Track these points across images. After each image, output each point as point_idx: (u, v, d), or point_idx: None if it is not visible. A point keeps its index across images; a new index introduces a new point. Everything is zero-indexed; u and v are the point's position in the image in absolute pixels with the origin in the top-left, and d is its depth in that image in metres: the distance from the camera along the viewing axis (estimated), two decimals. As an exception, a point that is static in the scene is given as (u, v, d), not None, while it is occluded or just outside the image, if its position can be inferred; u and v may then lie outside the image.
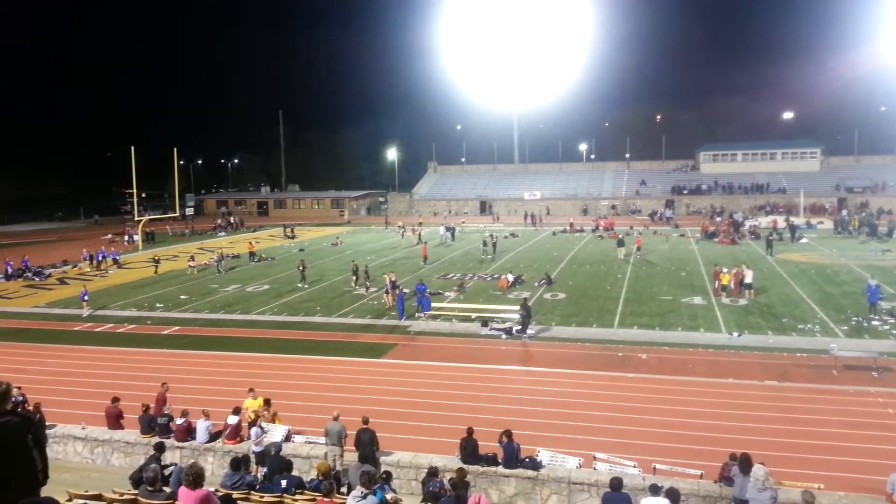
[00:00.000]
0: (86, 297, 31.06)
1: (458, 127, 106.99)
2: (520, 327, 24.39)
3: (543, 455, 13.60)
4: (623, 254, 42.08)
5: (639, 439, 15.23)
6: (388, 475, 12.62)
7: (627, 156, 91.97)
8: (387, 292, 30.24)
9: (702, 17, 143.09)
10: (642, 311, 27.45)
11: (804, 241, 47.81)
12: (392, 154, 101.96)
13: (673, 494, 10.22)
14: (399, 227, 61.93)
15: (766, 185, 75.76)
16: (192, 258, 43.06)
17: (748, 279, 29.56)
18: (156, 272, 41.10)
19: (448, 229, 54.91)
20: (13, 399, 15.82)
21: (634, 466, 13.17)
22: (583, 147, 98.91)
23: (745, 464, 11.19)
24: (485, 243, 44.57)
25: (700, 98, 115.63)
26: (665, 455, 13.97)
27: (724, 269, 30.93)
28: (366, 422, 13.76)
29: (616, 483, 10.91)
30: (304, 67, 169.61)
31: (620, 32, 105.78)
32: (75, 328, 28.03)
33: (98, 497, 8.09)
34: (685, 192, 78.03)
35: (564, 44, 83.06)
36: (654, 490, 10.67)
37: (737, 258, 38.88)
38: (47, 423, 15.97)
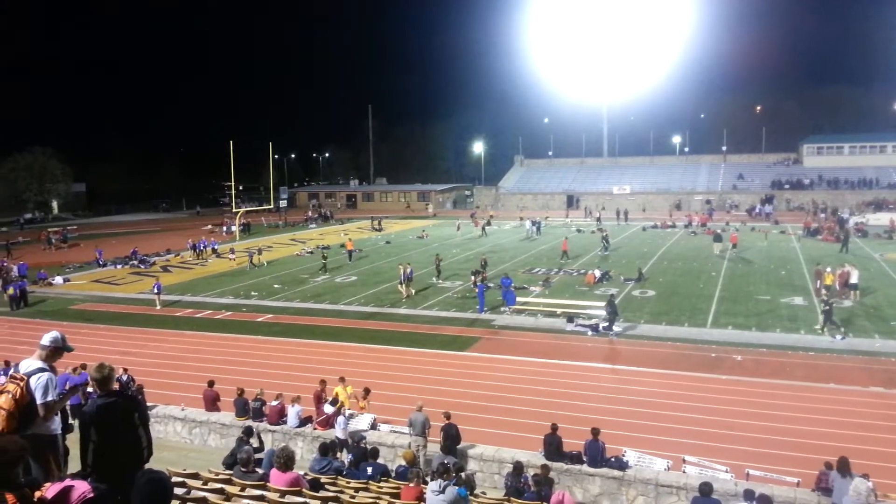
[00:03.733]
0: (158, 290, 31.14)
1: (546, 120, 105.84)
2: (606, 324, 23.93)
3: (630, 455, 13.32)
4: (719, 249, 40.53)
5: (731, 443, 14.66)
6: (460, 471, 12.65)
7: (724, 148, 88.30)
8: (401, 283, 30.95)
9: None
10: (738, 311, 26.37)
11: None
12: (478, 148, 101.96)
13: (765, 501, 9.78)
14: (472, 217, 62.08)
15: (875, 180, 71.08)
16: (233, 251, 44.98)
17: (854, 279, 27.90)
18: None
19: (534, 223, 54.48)
20: (119, 380, 16.81)
21: (726, 471, 12.70)
22: (676, 140, 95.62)
23: (845, 467, 10.59)
24: (604, 238, 43.43)
25: (804, 87, 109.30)
26: (759, 461, 13.42)
27: (828, 269, 29.26)
28: (448, 416, 13.86)
29: (706, 488, 10.56)
30: (393, 62, 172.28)
31: (718, 18, 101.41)
32: (177, 314, 29.54)
33: (195, 476, 8.49)
34: (786, 186, 74.26)
35: (658, 32, 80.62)
36: (748, 496, 10.25)
37: (841, 257, 36.72)
38: (149, 404, 16.92)
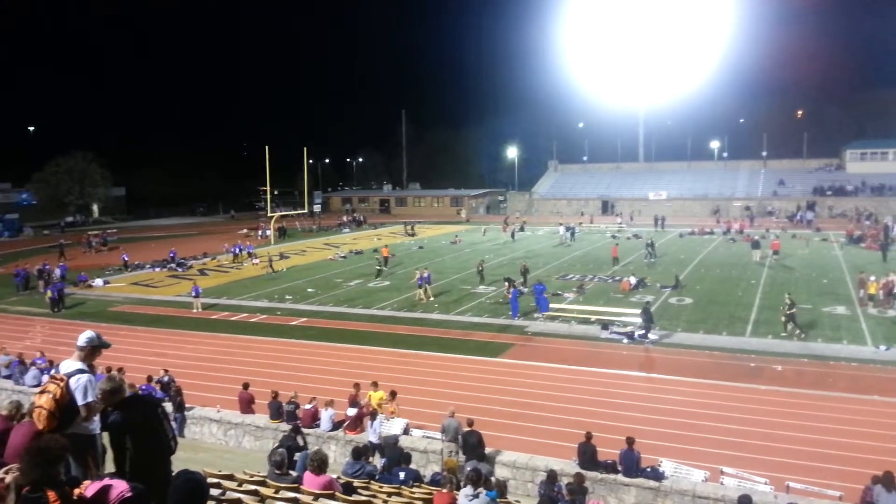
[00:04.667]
0: (196, 293, 31.58)
1: (581, 125, 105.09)
2: (642, 332, 23.60)
3: (666, 466, 13.10)
4: (758, 256, 39.78)
5: (771, 455, 14.31)
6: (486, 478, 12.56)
7: (764, 154, 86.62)
8: (420, 287, 31.36)
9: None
10: (778, 320, 25.76)
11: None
12: (512, 153, 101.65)
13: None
14: (505, 222, 61.88)
15: (922, 187, 69.07)
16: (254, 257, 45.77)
17: (899, 289, 27.13)
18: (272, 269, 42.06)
19: (568, 229, 54.10)
20: (161, 381, 17.12)
21: (766, 483, 12.40)
22: (714, 145, 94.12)
23: (890, 482, 10.26)
24: (648, 245, 42.61)
25: (847, 90, 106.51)
26: (800, 473, 13.09)
27: (872, 278, 28.47)
28: (471, 423, 13.78)
29: (745, 500, 10.32)
30: (427, 67, 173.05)
31: (758, 20, 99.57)
32: (213, 317, 29.95)
33: (230, 477, 8.55)
34: (828, 193, 72.52)
35: (696, 35, 79.47)
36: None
37: (886, 265, 35.70)
38: (186, 405, 17.16)
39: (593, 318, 26.39)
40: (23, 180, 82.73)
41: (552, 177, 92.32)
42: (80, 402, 5.88)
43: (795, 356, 21.38)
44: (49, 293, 32.60)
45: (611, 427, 15.45)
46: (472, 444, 13.38)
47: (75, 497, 4.28)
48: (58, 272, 38.07)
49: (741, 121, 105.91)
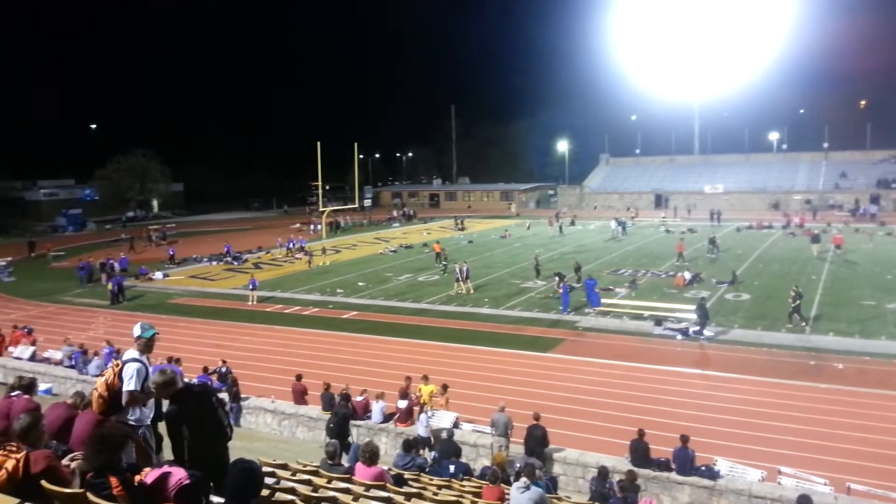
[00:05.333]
0: (253, 286, 32.28)
1: (633, 117, 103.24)
2: (697, 328, 23.09)
3: (722, 464, 12.82)
4: (817, 250, 38.47)
5: (831, 455, 13.85)
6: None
7: (825, 145, 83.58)
8: (457, 280, 31.66)
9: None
10: (840, 317, 24.91)
11: None
12: (562, 146, 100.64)
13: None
14: (557, 216, 61.27)
15: None
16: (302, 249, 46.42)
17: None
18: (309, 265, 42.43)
19: (619, 223, 53.30)
20: (218, 371, 17.52)
21: (826, 484, 12.01)
22: (773, 136, 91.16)
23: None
24: (711, 242, 41.41)
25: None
26: (861, 475, 12.65)
27: (942, 273, 27.24)
28: (537, 418, 13.69)
29: (804, 500, 10.02)
30: (476, 61, 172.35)
31: (818, 7, 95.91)
32: (267, 309, 30.54)
33: (284, 466, 8.69)
34: (893, 185, 69.65)
35: (753, 25, 77.19)
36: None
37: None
38: (242, 396, 17.55)
39: (646, 313, 25.95)
40: (86, 177, 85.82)
41: (604, 170, 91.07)
42: (123, 387, 6.12)
43: (857, 354, 20.64)
44: (110, 286, 33.76)
45: (664, 424, 15.20)
46: (536, 439, 13.30)
47: (136, 483, 4.41)
48: (118, 265, 39.31)
49: (801, 111, 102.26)
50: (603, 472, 12.00)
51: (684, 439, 12.77)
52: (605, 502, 11.05)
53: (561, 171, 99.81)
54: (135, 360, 6.34)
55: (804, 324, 23.73)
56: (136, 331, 6.49)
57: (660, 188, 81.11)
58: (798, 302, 23.95)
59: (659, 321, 24.64)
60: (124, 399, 6.25)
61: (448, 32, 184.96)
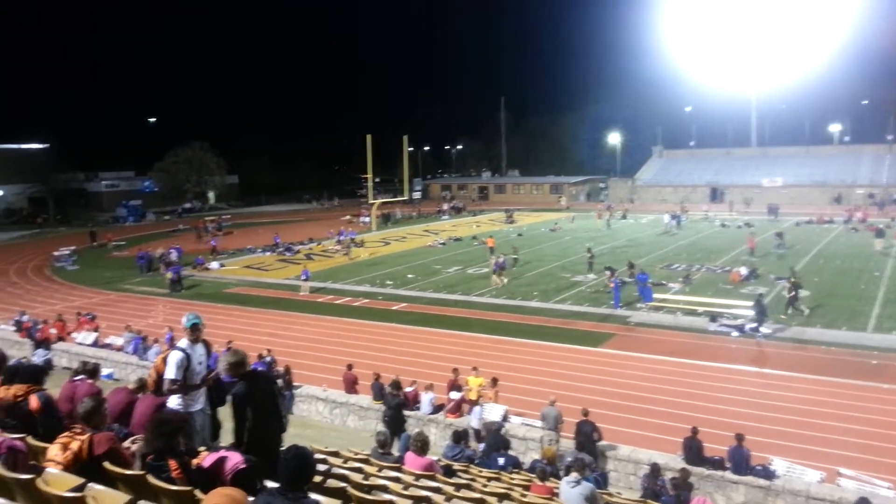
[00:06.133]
0: (306, 277, 32.85)
1: (688, 109, 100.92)
2: (754, 325, 22.48)
3: (778, 464, 12.49)
4: (881, 246, 37.01)
5: (894, 458, 13.31)
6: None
7: (890, 137, 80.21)
8: (495, 272, 31.65)
9: None
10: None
11: None
12: (614, 138, 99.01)
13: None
14: (609, 209, 60.30)
15: None
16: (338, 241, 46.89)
17: None
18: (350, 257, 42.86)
19: (673, 217, 52.23)
20: (264, 361, 17.87)
21: (889, 488, 11.58)
22: (834, 128, 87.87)
23: None
24: (778, 236, 39.98)
25: None
26: (929, 481, 12.10)
27: None
28: (585, 413, 13.55)
29: (864, 503, 9.66)
30: (525, 53, 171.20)
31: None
32: (319, 300, 30.99)
33: (336, 454, 8.80)
34: (964, 179, 66.49)
35: (813, 13, 74.35)
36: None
37: None
38: (294, 384, 17.85)
39: (700, 309, 25.37)
40: (145, 169, 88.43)
41: (657, 163, 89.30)
42: (165, 374, 6.48)
43: (926, 355, 19.81)
44: (169, 274, 34.73)
45: (718, 423, 14.89)
46: (585, 434, 13.17)
47: (194, 467, 4.52)
48: (174, 255, 40.33)
49: (864, 102, 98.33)
50: (655, 469, 11.81)
51: (739, 438, 12.48)
52: (657, 500, 10.87)
53: (612, 163, 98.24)
54: (180, 349, 6.57)
55: (803, 314, 23.93)
56: (183, 320, 6.77)
57: (715, 181, 79.09)
58: (794, 293, 24.12)
59: (714, 317, 24.07)
60: (164, 386, 6.52)
61: (498, 24, 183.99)
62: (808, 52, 76.22)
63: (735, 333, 22.64)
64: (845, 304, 25.91)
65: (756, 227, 48.16)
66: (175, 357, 6.49)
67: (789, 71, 78.59)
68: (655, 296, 26.89)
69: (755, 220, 54.19)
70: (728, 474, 12.40)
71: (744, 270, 31.25)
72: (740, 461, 12.29)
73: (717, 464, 12.60)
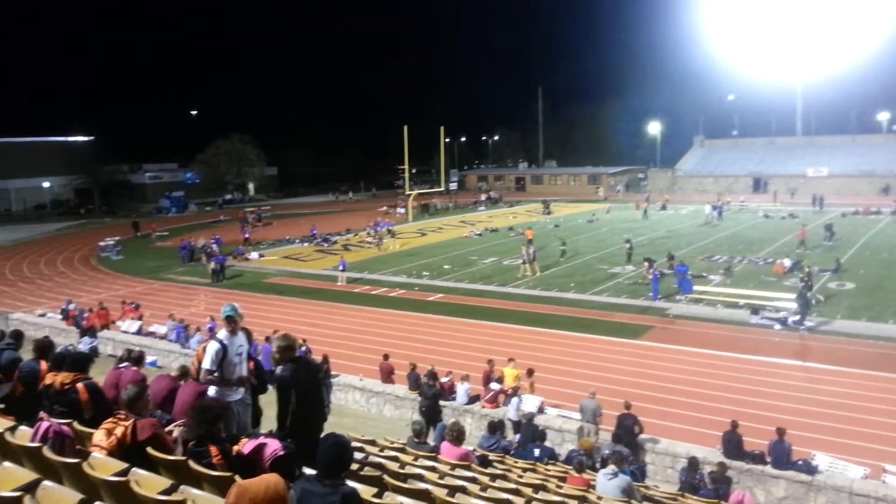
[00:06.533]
0: (343, 267, 33.05)
1: (730, 97, 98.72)
2: (797, 318, 21.99)
3: (821, 459, 12.23)
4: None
5: (944, 457, 12.93)
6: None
7: (941, 125, 77.51)
8: (524, 262, 31.88)
9: None
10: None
11: None
12: (654, 128, 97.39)
13: None
14: (647, 200, 59.40)
15: None
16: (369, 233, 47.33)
17: None
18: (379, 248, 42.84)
19: (714, 208, 51.29)
20: (300, 350, 18.28)
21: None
22: (882, 116, 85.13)
23: None
24: (827, 228, 38.71)
25: None
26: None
27: None
28: (628, 407, 13.43)
29: (914, 503, 9.40)
30: (563, 42, 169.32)
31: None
32: (355, 290, 31.25)
33: (372, 442, 8.90)
34: None
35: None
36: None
37: None
38: (332, 373, 18.05)
39: (742, 301, 24.92)
40: (187, 161, 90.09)
41: (698, 152, 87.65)
42: (202, 364, 6.66)
43: (979, 350, 19.16)
44: (212, 264, 35.36)
45: (758, 416, 14.61)
46: (626, 428, 13.06)
47: (234, 453, 4.61)
48: (215, 245, 41.01)
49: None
50: (693, 463, 11.68)
51: (781, 432, 12.25)
52: (695, 493, 10.74)
53: (652, 153, 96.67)
54: (217, 340, 6.72)
55: (820, 302, 23.98)
56: (222, 312, 6.96)
57: (758, 171, 77.34)
58: (807, 282, 23.79)
59: (756, 310, 23.62)
60: (200, 376, 6.68)
61: (535, 13, 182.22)
62: (855, 38, 73.76)
63: (777, 326, 22.20)
64: (892, 297, 25.17)
65: (800, 217, 47.03)
66: (212, 348, 6.62)
67: (836, 58, 76.13)
68: (695, 288, 26.49)
69: (799, 210, 52.95)
70: (768, 469, 12.19)
71: (787, 262, 30.58)
72: (781, 455, 12.07)
73: (757, 458, 12.39)
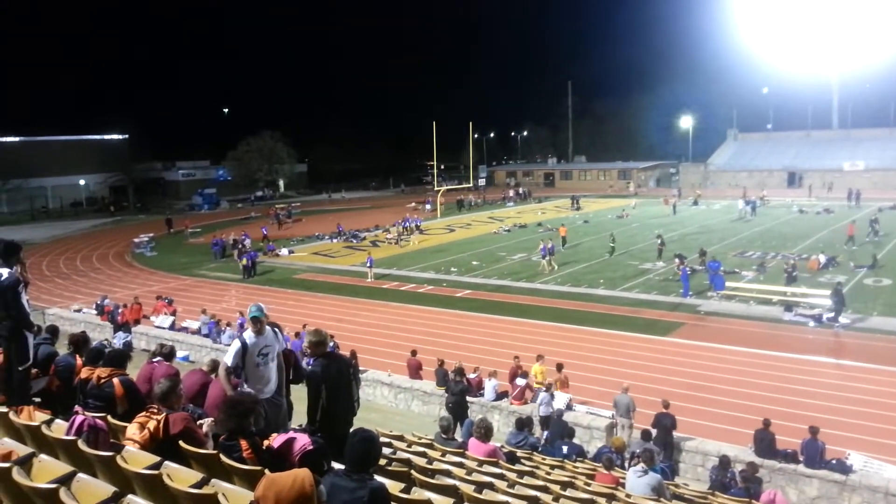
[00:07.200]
0: (370, 264, 33.17)
1: (765, 90, 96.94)
2: (832, 315, 21.58)
3: (855, 459, 12.01)
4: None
5: None
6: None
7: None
8: (543, 257, 31.96)
9: None
10: None
11: None
12: (686, 122, 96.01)
13: None
14: (678, 195, 58.67)
15: None
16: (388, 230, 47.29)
17: None
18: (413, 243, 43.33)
19: (748, 203, 50.46)
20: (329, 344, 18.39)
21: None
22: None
23: None
24: (872, 223, 37.53)
25: None
26: None
27: None
28: (666, 406, 13.30)
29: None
30: (593, 35, 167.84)
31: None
32: (384, 286, 31.41)
33: (400, 438, 8.95)
34: None
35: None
36: None
37: None
38: (360, 368, 18.19)
39: (775, 298, 24.52)
40: (219, 158, 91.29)
41: (731, 146, 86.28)
42: (224, 359, 6.70)
43: None
44: (244, 260, 35.80)
45: (791, 415, 14.39)
46: (664, 427, 12.93)
47: (264, 447, 4.69)
48: (248, 241, 41.49)
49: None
50: (724, 461, 11.55)
51: (814, 431, 12.05)
52: (725, 492, 10.62)
53: (683, 148, 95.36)
54: (239, 338, 6.78)
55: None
56: (248, 312, 7.02)
57: (793, 165, 75.90)
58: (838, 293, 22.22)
59: (789, 307, 23.23)
60: (219, 369, 6.77)
61: (566, 6, 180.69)
62: (892, 29, 71.87)
63: (812, 323, 21.81)
64: (933, 294, 24.57)
65: (835, 212, 46.06)
66: (234, 346, 6.68)
67: (873, 50, 74.31)
68: (728, 284, 26.12)
69: (835, 205, 51.85)
70: (801, 468, 12.00)
71: (822, 258, 30.01)
72: (814, 454, 11.88)
73: (789, 457, 12.21)
